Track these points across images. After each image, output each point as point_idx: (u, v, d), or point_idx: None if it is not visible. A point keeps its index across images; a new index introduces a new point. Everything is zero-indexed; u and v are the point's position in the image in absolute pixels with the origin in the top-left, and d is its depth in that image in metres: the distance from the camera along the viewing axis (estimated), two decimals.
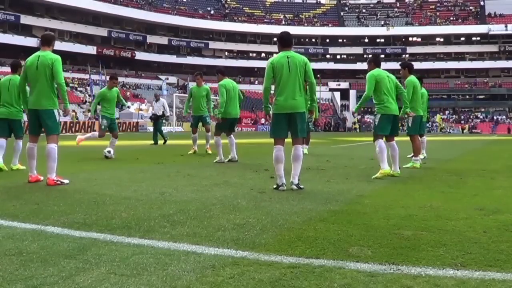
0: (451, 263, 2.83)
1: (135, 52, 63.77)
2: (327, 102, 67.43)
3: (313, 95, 6.16)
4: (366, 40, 72.17)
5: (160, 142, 16.19)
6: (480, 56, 70.07)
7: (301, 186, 5.69)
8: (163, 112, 16.34)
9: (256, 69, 71.73)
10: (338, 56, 72.19)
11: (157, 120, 16.45)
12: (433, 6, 74.60)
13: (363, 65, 7.60)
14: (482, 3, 71.62)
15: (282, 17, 72.79)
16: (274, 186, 5.71)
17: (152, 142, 16.34)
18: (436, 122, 56.85)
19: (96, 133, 11.15)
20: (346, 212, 4.31)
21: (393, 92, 7.40)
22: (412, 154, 9.09)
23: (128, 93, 54.02)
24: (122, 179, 6.60)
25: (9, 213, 4.15)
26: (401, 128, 8.41)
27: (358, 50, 70.32)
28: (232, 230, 3.58)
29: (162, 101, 16.76)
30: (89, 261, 2.78)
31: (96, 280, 2.47)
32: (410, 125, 8.88)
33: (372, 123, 8.12)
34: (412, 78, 8.81)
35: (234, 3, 74.87)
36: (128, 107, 12.90)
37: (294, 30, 71.54)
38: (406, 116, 8.51)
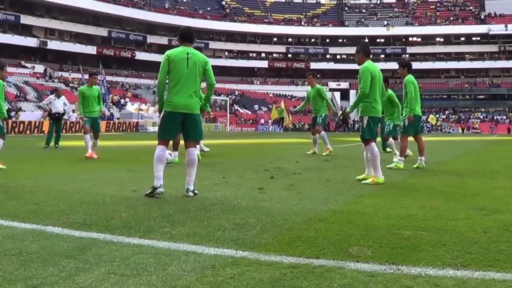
0: (451, 263, 2.83)
1: (135, 52, 63.74)
2: None
3: (210, 95, 5.64)
4: (366, 40, 72.06)
5: (52, 144, 14.08)
6: (480, 56, 70.02)
7: (196, 192, 5.19)
8: (64, 110, 14.60)
9: (256, 69, 71.77)
10: (338, 56, 72.11)
11: (60, 119, 14.41)
12: (433, 6, 74.55)
13: None
14: (482, 3, 71.58)
15: (282, 17, 72.75)
16: (149, 191, 5.05)
17: (46, 144, 14.07)
18: (429, 122, 56.52)
19: (86, 136, 10.37)
20: (346, 212, 4.31)
21: (381, 91, 6.74)
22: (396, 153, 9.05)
23: (128, 93, 54.02)
24: (122, 179, 6.59)
25: (9, 213, 4.15)
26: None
27: None
28: (232, 230, 3.58)
29: (64, 98, 14.98)
30: (89, 261, 2.78)
31: (96, 280, 2.47)
32: (406, 124, 8.46)
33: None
34: (412, 77, 8.62)
35: (234, 3, 74.83)
36: (102, 110, 10.90)
37: (294, 30, 71.63)
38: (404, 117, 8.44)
